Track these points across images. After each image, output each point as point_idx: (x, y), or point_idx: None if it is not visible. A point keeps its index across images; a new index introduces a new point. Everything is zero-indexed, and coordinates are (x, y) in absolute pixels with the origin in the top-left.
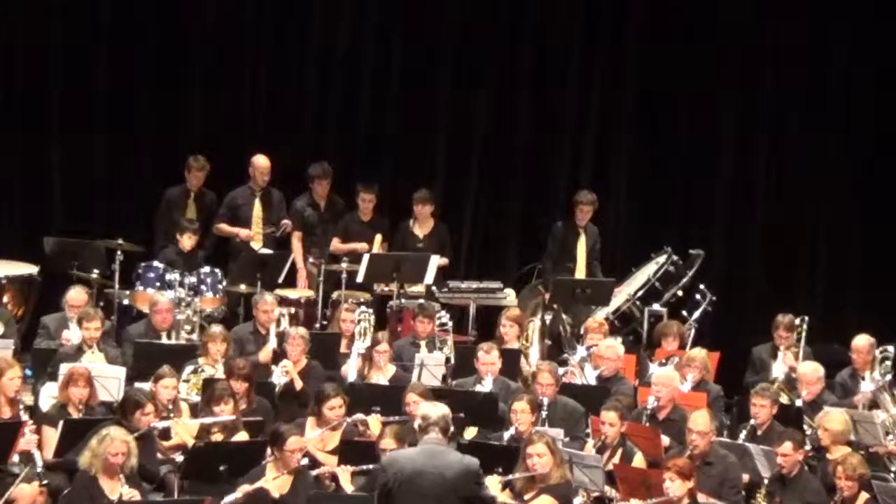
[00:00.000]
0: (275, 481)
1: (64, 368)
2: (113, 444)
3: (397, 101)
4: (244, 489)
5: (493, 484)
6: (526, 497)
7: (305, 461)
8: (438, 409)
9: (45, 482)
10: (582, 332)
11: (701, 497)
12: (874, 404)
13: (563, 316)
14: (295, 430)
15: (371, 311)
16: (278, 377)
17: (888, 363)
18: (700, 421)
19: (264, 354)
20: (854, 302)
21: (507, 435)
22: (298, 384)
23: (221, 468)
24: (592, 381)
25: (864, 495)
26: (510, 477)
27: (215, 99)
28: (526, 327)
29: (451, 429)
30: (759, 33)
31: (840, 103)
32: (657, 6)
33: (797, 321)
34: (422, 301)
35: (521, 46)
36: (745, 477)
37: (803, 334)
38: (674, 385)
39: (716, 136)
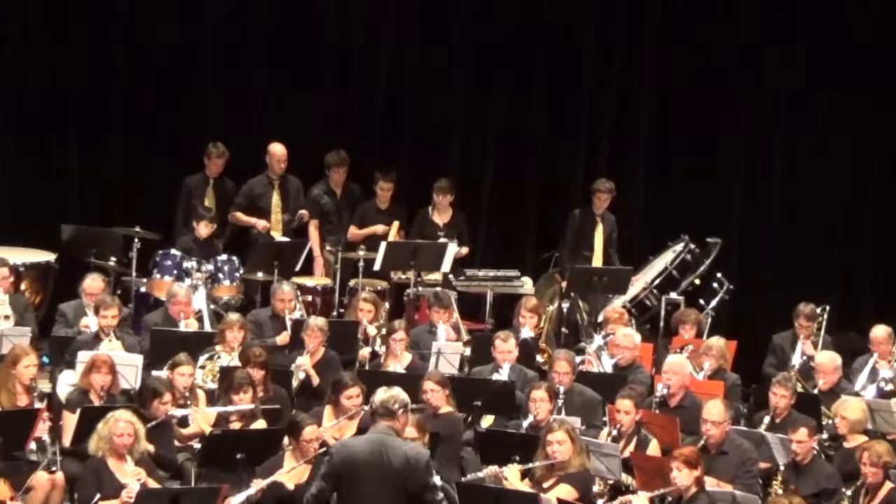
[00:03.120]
0: (291, 472)
1: (81, 356)
2: (117, 425)
3: (415, 89)
4: (257, 484)
5: (512, 473)
6: (545, 485)
7: (323, 450)
8: (389, 394)
9: (53, 469)
10: (602, 321)
11: (714, 484)
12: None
13: (581, 304)
14: (311, 420)
15: None
16: (295, 370)
17: None
18: (714, 410)
19: (282, 338)
20: (871, 289)
21: (525, 423)
22: (315, 381)
23: (238, 456)
24: (609, 370)
25: (888, 484)
26: (530, 465)
27: (232, 87)
28: (543, 314)
29: (394, 412)
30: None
31: (851, 91)
32: None
33: (818, 310)
34: (437, 290)
35: (539, 34)
36: (764, 465)
37: (823, 323)
38: (684, 372)
39: (732, 123)
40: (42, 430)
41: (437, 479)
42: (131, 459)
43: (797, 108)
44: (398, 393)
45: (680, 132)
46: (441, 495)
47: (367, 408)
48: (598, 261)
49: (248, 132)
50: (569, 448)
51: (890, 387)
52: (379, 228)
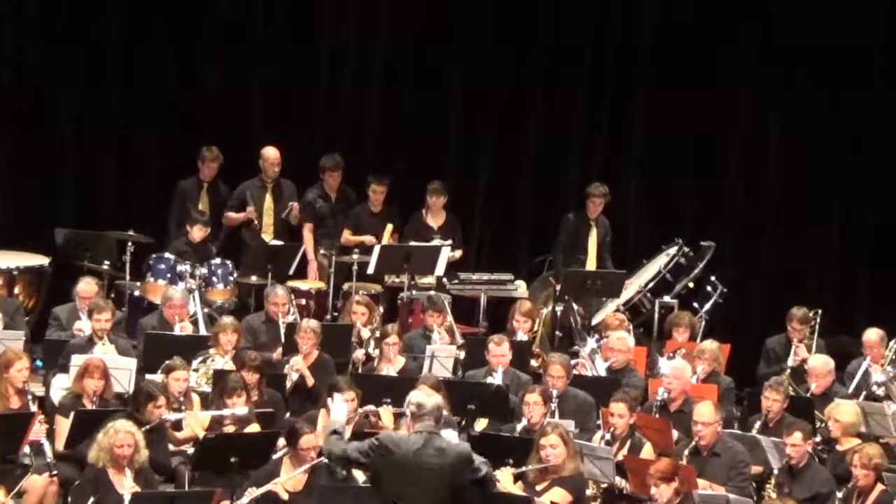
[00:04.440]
0: (287, 481)
1: (75, 359)
2: (118, 436)
3: (410, 92)
4: (251, 494)
5: (505, 477)
6: (538, 488)
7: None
8: (432, 399)
9: (54, 472)
10: (601, 327)
11: (707, 486)
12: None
13: (574, 307)
14: (308, 429)
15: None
16: (289, 372)
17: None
18: (704, 412)
19: (278, 354)
20: (865, 293)
21: (519, 427)
22: (310, 381)
23: (232, 460)
24: (603, 373)
25: (880, 486)
26: (523, 469)
27: (228, 91)
28: (537, 317)
29: (443, 419)
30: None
31: (848, 92)
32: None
33: (811, 314)
34: (431, 293)
35: (534, 35)
36: (758, 469)
37: (816, 327)
38: (685, 377)
39: (727, 125)
40: (40, 432)
41: (477, 460)
42: (131, 471)
43: (793, 110)
44: (441, 399)
45: (674, 134)
46: (484, 468)
47: (361, 410)
48: (591, 265)
49: (243, 136)
50: (562, 452)
51: (881, 391)
52: (366, 238)
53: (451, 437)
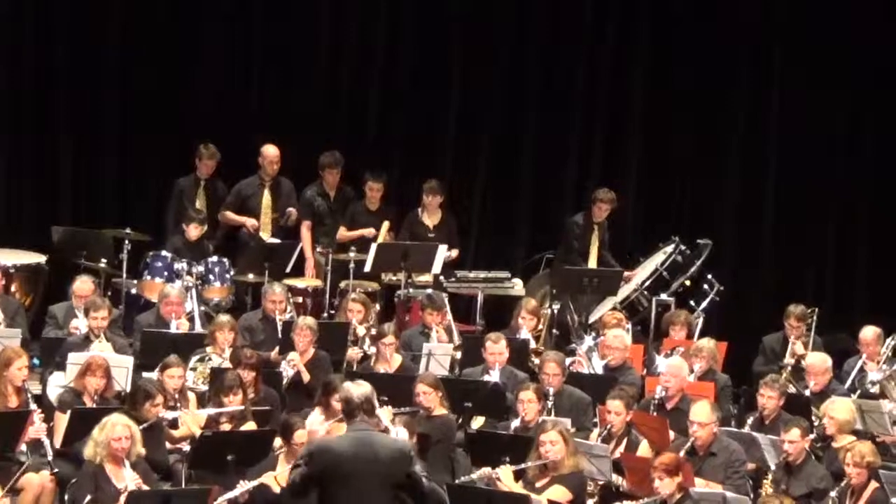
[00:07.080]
0: (280, 475)
1: (72, 357)
2: (115, 430)
3: (408, 90)
4: (242, 486)
5: (506, 473)
6: (537, 485)
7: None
8: (360, 389)
9: (55, 470)
10: (599, 325)
11: (703, 484)
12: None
13: (571, 306)
14: (302, 423)
15: None
16: (285, 368)
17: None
18: (701, 412)
19: (275, 354)
20: (864, 291)
21: (513, 425)
22: (306, 377)
23: (229, 458)
24: (600, 371)
25: (873, 484)
26: (523, 465)
27: (226, 89)
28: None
29: (376, 407)
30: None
31: (847, 91)
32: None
33: (808, 312)
34: (430, 292)
35: (532, 33)
36: (752, 465)
37: (813, 324)
38: (682, 375)
39: (725, 123)
40: (40, 430)
41: (419, 468)
42: (129, 464)
43: (791, 109)
44: (370, 387)
45: (672, 132)
46: (425, 481)
47: None
48: (593, 265)
49: (242, 134)
50: (562, 448)
51: (876, 389)
52: (366, 232)
53: (401, 433)
